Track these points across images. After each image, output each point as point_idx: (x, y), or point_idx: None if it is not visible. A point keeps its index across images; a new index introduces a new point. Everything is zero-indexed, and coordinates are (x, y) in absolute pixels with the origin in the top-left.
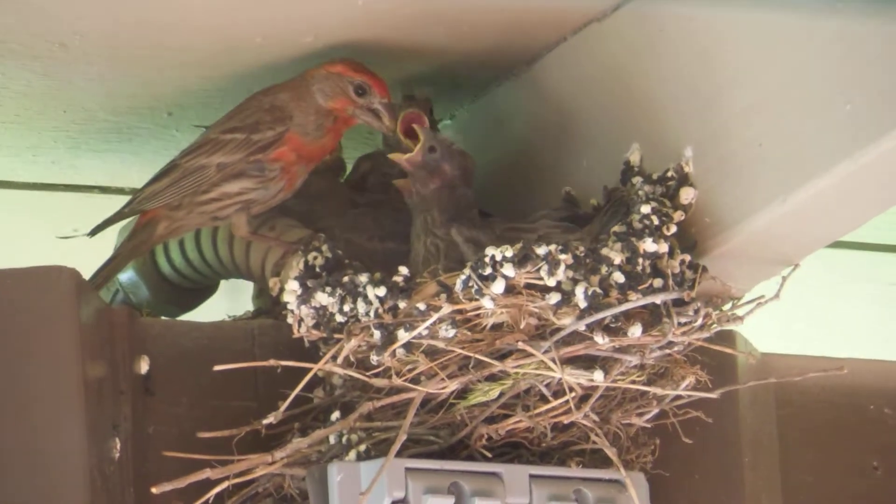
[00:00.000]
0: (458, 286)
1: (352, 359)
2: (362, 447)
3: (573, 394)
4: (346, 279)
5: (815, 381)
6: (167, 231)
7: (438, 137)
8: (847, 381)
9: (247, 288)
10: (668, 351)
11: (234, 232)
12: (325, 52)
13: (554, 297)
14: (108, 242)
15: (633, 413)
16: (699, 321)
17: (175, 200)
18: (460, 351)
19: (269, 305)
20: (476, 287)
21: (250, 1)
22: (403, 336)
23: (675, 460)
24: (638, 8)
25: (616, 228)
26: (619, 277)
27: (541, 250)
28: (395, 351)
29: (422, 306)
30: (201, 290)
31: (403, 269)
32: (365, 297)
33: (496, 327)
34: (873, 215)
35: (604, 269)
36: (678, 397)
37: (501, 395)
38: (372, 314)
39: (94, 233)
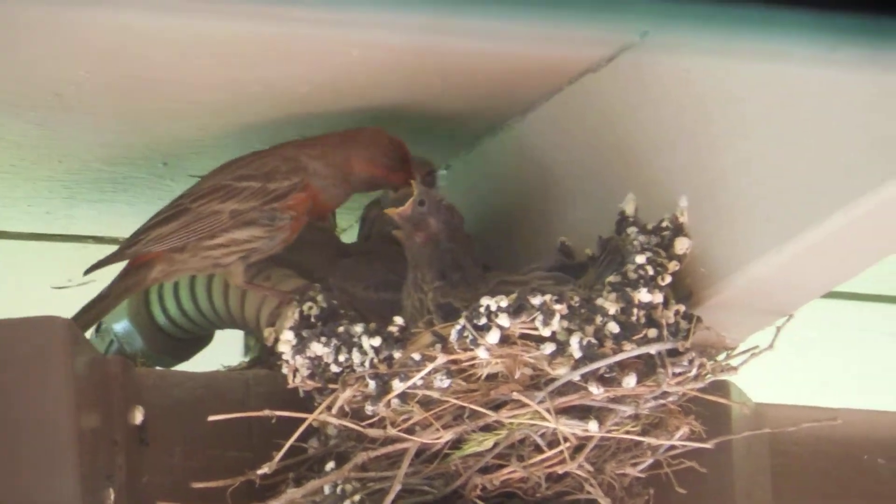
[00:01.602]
0: (453, 336)
1: (346, 409)
2: (357, 497)
3: (567, 444)
4: (341, 329)
5: (809, 432)
6: (163, 274)
7: (429, 192)
8: (841, 432)
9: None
10: (662, 401)
11: (231, 281)
12: (322, 102)
13: (549, 348)
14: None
15: (627, 463)
16: (693, 371)
17: (181, 243)
18: (455, 401)
19: (264, 356)
20: (471, 337)
21: (247, 53)
22: (398, 386)
23: None
24: (633, 59)
25: (611, 279)
26: (613, 327)
27: (536, 300)
28: (389, 401)
29: (417, 356)
30: (196, 340)
31: (398, 319)
32: (360, 347)
33: (491, 377)
34: (868, 266)
35: (598, 320)
36: (672, 447)
37: (496, 445)
38: (367, 364)
39: (88, 272)
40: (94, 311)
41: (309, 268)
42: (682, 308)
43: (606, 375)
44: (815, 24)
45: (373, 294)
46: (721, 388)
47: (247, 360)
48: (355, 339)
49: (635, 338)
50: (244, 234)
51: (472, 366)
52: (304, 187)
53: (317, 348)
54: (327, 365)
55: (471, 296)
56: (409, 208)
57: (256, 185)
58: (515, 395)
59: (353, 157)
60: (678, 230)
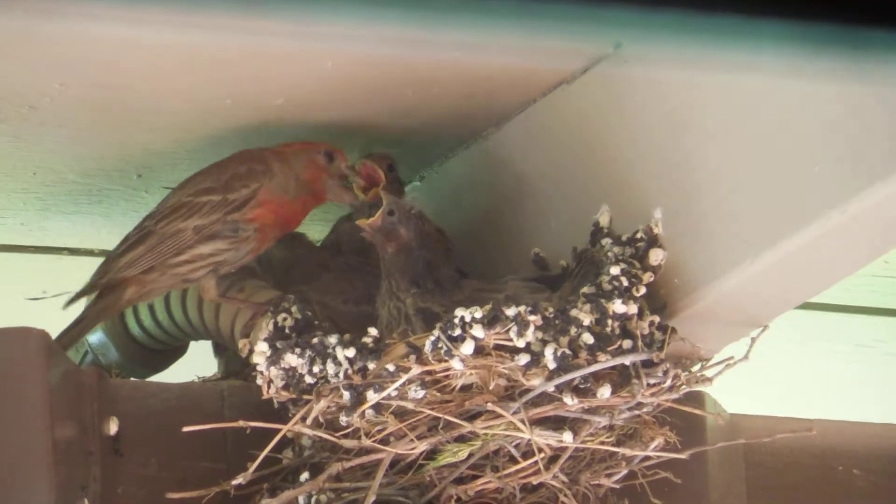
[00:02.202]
0: (428, 347)
1: (321, 420)
2: None
3: (542, 455)
4: (315, 340)
5: (784, 443)
6: (136, 295)
7: (398, 201)
8: (816, 443)
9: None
10: (637, 412)
11: (203, 296)
12: (296, 114)
13: (523, 358)
14: (78, 304)
15: (602, 474)
16: (668, 382)
17: (150, 266)
18: (429, 412)
19: (239, 367)
20: (445, 348)
21: (221, 65)
22: (373, 397)
23: None
24: (606, 70)
25: (585, 290)
26: (588, 338)
27: (510, 311)
28: (364, 412)
29: (391, 367)
30: (170, 351)
31: (373, 331)
32: (334, 358)
33: (465, 388)
34: (843, 277)
35: (573, 331)
36: (647, 458)
37: (470, 455)
38: (341, 375)
39: (68, 305)
40: (72, 334)
41: (288, 286)
42: (657, 319)
43: (581, 386)
44: (789, 36)
45: (353, 307)
46: (696, 398)
47: (221, 371)
48: (329, 350)
49: (610, 349)
50: (208, 248)
51: (447, 376)
52: (262, 201)
53: (291, 359)
54: (302, 376)
55: (448, 302)
56: (380, 219)
57: (217, 198)
58: (490, 406)
59: (295, 165)
60: (652, 241)
